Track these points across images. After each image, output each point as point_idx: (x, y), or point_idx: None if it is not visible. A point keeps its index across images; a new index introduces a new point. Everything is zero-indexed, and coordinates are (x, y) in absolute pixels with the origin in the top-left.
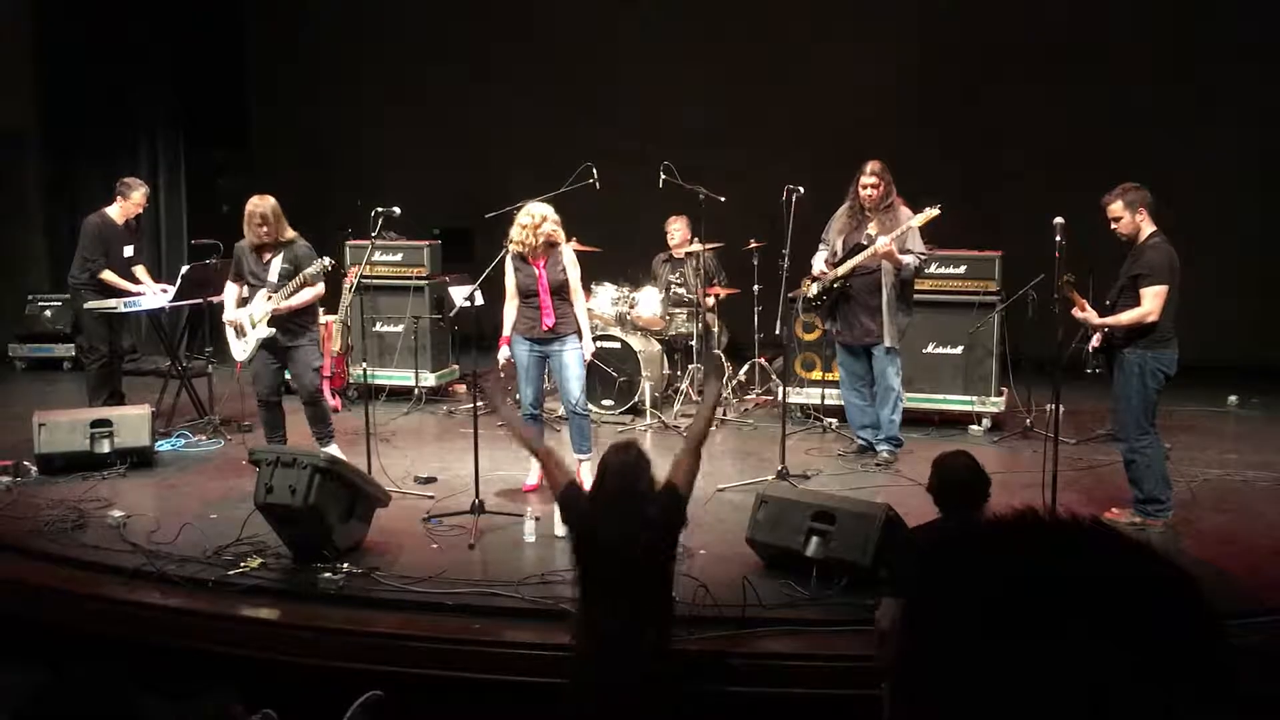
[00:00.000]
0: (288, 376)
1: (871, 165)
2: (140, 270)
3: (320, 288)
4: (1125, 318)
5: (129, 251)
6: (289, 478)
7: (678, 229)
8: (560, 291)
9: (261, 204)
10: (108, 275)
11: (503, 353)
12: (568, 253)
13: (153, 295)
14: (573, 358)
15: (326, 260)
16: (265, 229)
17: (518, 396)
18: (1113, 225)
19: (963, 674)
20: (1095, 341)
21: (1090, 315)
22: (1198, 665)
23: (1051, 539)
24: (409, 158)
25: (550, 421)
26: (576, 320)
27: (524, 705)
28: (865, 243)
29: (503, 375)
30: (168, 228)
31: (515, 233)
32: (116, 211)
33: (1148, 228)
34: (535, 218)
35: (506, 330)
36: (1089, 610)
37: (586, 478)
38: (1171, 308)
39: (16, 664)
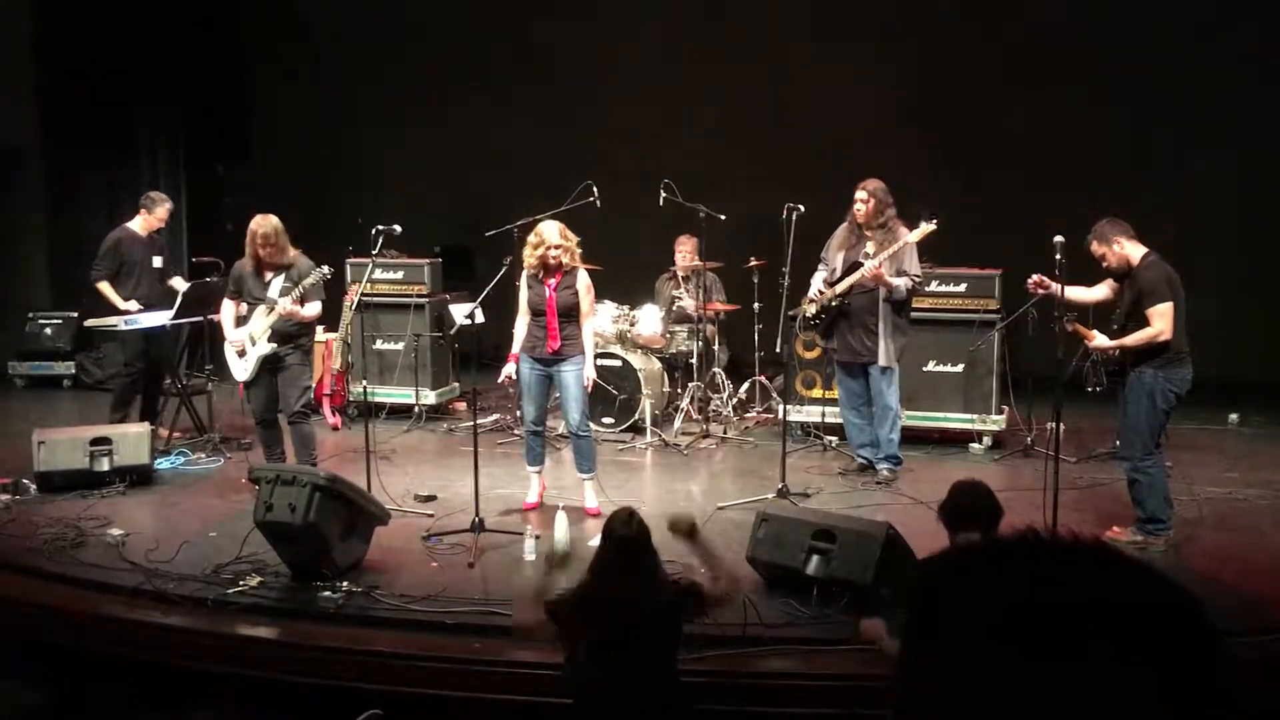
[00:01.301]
0: None
1: (865, 182)
2: (177, 280)
3: (318, 307)
4: (1134, 339)
5: (158, 262)
6: (289, 495)
7: (687, 249)
8: (569, 314)
9: (265, 223)
10: (103, 287)
11: (507, 369)
12: (582, 276)
13: (149, 316)
14: (572, 378)
15: (325, 269)
16: (269, 249)
17: (519, 413)
18: (1103, 265)
19: (963, 696)
20: (1096, 348)
21: (1103, 342)
22: (1199, 683)
23: (1052, 559)
24: (410, 176)
25: (551, 440)
26: (582, 343)
27: None
28: (862, 260)
29: (512, 390)
30: (168, 245)
31: (525, 251)
32: (139, 224)
33: (1137, 252)
34: (541, 238)
35: (515, 346)
36: (1090, 630)
37: (589, 496)
38: (1181, 324)
39: (16, 683)
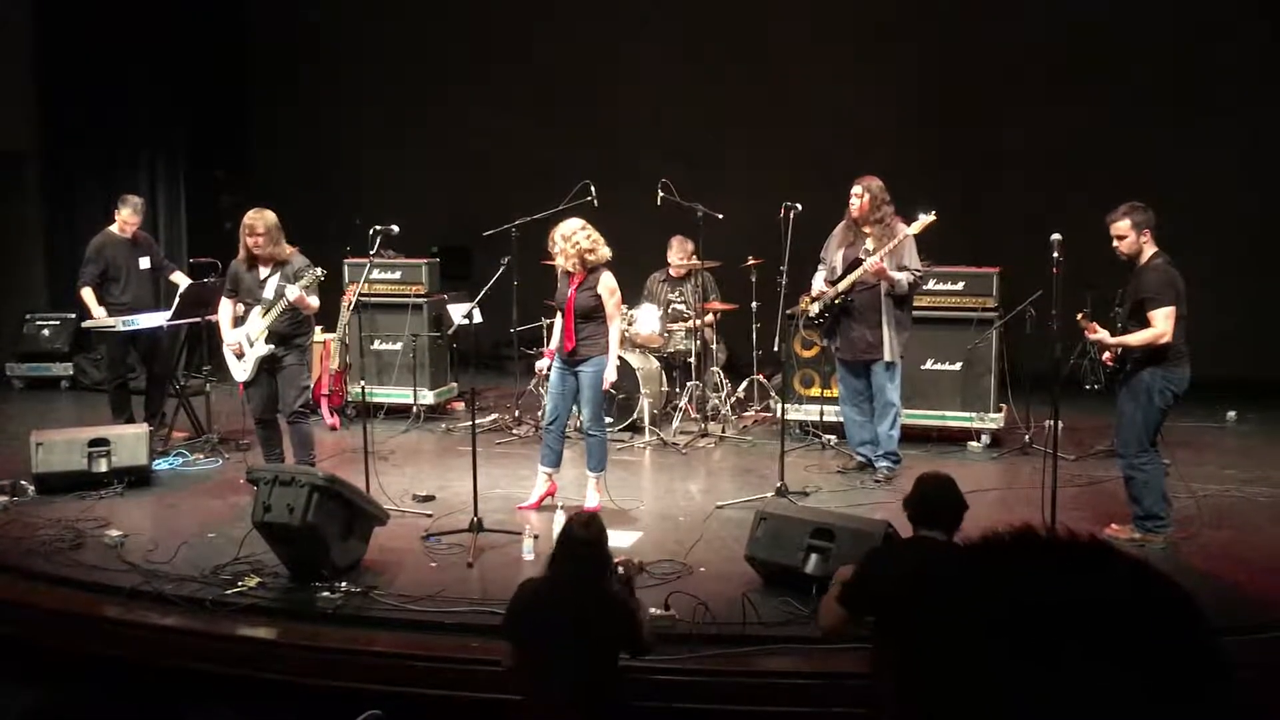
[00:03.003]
0: None
1: (861, 178)
2: (178, 275)
3: (315, 301)
4: (1136, 339)
5: (146, 264)
6: (287, 496)
7: (683, 252)
8: (588, 315)
9: (257, 216)
10: (84, 293)
11: (541, 363)
12: (605, 279)
13: (146, 317)
14: (587, 379)
15: (318, 270)
16: (256, 239)
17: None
18: (1115, 243)
19: (959, 696)
20: (1107, 357)
21: (1104, 336)
22: (1194, 683)
23: (1050, 557)
24: (408, 177)
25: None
26: (604, 344)
27: None
28: (863, 257)
29: (533, 387)
30: (167, 246)
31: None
32: (115, 227)
33: (1149, 249)
34: (557, 236)
35: (552, 343)
36: (1086, 631)
37: (590, 495)
38: (1181, 326)
39: (13, 684)
